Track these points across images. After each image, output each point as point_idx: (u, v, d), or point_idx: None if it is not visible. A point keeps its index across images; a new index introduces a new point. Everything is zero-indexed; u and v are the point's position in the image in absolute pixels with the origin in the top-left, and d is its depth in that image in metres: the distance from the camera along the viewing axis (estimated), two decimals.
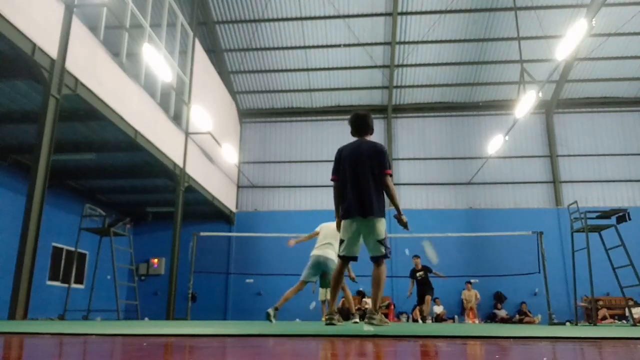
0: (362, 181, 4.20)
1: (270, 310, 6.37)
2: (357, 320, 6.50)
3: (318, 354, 1.80)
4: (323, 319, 11.51)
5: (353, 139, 4.55)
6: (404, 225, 4.36)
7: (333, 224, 6.73)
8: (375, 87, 17.62)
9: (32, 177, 7.08)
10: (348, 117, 4.74)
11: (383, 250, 4.18)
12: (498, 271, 14.56)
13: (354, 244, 4.30)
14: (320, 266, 6.54)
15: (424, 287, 11.53)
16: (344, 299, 14.94)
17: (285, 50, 16.49)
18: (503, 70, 16.83)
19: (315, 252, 6.60)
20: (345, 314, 14.59)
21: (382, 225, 4.20)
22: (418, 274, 11.53)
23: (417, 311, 11.62)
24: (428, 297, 11.46)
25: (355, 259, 4.38)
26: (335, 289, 4.59)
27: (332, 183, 4.54)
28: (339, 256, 4.40)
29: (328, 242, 6.58)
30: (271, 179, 17.98)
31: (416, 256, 11.65)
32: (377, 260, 4.21)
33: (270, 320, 6.20)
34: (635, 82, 16.92)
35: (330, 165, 4.68)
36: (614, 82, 16.99)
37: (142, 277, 16.80)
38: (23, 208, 6.99)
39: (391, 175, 4.28)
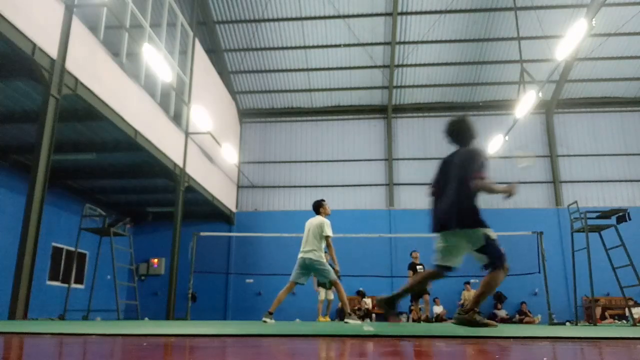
0: (445, 194, 4.09)
1: (266, 319, 6.39)
2: (348, 320, 6.45)
3: (318, 354, 1.80)
4: (319, 318, 11.52)
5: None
6: (510, 192, 4.27)
7: (315, 220, 6.76)
8: (375, 87, 17.62)
9: (32, 177, 7.08)
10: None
11: (485, 259, 4.02)
12: None
13: (447, 256, 4.15)
14: (306, 267, 6.53)
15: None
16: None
17: (285, 50, 16.49)
18: (503, 70, 16.83)
19: (300, 254, 6.61)
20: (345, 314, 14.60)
21: (475, 234, 4.04)
22: (418, 268, 11.57)
23: (415, 310, 11.62)
24: (427, 297, 11.48)
25: (449, 268, 4.20)
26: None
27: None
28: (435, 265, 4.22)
29: (310, 241, 6.57)
30: (271, 179, 17.97)
31: (415, 250, 11.77)
32: (486, 267, 4.06)
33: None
34: (635, 82, 16.92)
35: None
36: (614, 82, 16.98)
37: (142, 277, 16.80)
38: (23, 208, 6.98)
39: (482, 178, 4.10)
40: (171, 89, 11.78)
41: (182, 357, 1.63)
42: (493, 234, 4.13)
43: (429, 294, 11.58)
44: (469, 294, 14.62)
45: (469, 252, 4.10)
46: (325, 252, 6.84)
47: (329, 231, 6.59)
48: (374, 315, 15.01)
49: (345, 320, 6.49)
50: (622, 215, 9.31)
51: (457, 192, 4.04)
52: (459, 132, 4.25)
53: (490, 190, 4.12)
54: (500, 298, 15.32)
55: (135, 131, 10.35)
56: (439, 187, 4.20)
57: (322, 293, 11.33)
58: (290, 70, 17.13)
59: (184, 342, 2.29)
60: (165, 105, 12.38)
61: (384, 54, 16.52)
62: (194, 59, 13.78)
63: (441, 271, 4.22)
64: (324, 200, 7.00)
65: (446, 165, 4.22)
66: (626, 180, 16.73)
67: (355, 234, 13.69)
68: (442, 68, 16.89)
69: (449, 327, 4.58)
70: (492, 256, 3.99)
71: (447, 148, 4.14)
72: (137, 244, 15.52)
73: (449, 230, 4.04)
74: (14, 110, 9.37)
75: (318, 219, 6.78)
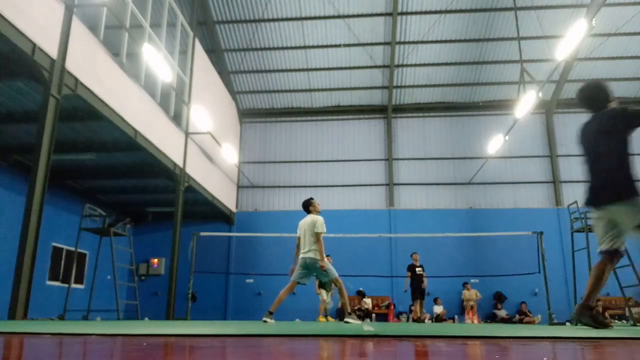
0: (597, 161, 3.66)
1: (266, 318, 6.39)
2: (349, 320, 6.44)
3: (318, 354, 1.80)
4: (319, 318, 11.52)
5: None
6: None
7: (308, 219, 6.76)
8: (375, 87, 17.62)
9: (32, 177, 7.08)
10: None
11: (613, 244, 3.60)
12: (498, 271, 14.57)
13: (618, 234, 3.66)
14: (308, 267, 6.53)
15: (420, 284, 11.66)
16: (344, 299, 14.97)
17: (285, 50, 16.49)
18: (503, 70, 16.84)
19: (300, 254, 6.61)
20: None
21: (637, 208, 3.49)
22: (417, 270, 11.63)
23: (416, 310, 11.65)
24: (422, 302, 11.64)
25: (617, 252, 3.73)
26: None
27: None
28: (605, 251, 3.76)
29: (308, 241, 6.58)
30: (271, 179, 17.98)
31: (415, 252, 11.90)
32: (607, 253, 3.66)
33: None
34: (635, 82, 16.93)
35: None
36: (614, 82, 16.98)
37: (142, 277, 16.80)
38: (23, 208, 6.98)
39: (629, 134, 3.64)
40: (171, 89, 11.78)
41: (182, 357, 1.63)
42: None
43: (422, 297, 11.71)
44: (469, 293, 14.63)
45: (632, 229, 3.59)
46: (328, 255, 6.81)
47: (320, 228, 6.58)
48: (374, 315, 15.02)
49: (346, 319, 6.48)
50: None
51: (616, 156, 3.60)
52: (593, 96, 3.88)
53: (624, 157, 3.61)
54: (500, 298, 15.33)
55: (135, 131, 10.35)
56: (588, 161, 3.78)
57: (324, 294, 11.34)
58: (290, 70, 17.13)
59: (184, 342, 2.29)
60: (165, 105, 12.38)
61: (384, 54, 16.52)
62: (194, 59, 13.78)
63: (615, 256, 3.74)
64: (312, 199, 7.02)
65: (586, 128, 3.84)
66: None
67: (355, 234, 13.70)
68: (442, 68, 16.89)
69: (449, 327, 4.58)
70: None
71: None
72: (137, 244, 15.53)
73: (609, 204, 3.58)
74: (14, 110, 9.37)
75: (310, 217, 6.79)
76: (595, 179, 3.64)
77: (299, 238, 6.78)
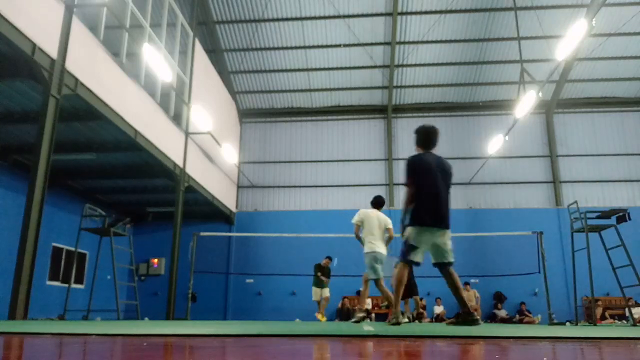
0: (445, 194, 4.51)
1: (360, 320, 6.50)
2: (406, 320, 6.63)
3: (318, 354, 1.80)
4: (320, 317, 11.53)
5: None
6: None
7: (380, 215, 6.81)
8: (375, 87, 17.62)
9: (32, 177, 7.08)
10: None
11: (452, 257, 4.47)
12: (498, 271, 14.57)
13: (423, 251, 4.53)
14: (382, 262, 6.66)
15: (412, 282, 11.59)
16: (346, 298, 14.96)
17: (285, 50, 16.49)
18: (503, 70, 16.84)
19: (374, 247, 6.64)
20: (345, 314, 14.60)
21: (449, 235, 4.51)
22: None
23: (418, 308, 11.63)
24: (417, 298, 11.59)
25: (418, 264, 4.57)
26: (399, 291, 4.68)
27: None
28: (408, 261, 4.52)
29: (380, 236, 6.70)
30: (271, 179, 17.98)
31: None
32: (445, 266, 4.46)
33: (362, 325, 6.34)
34: (635, 82, 16.92)
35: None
36: (614, 82, 16.99)
37: (142, 277, 16.80)
38: (23, 208, 6.98)
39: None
40: (171, 89, 11.78)
41: (182, 357, 1.63)
42: None
43: (417, 294, 11.65)
44: (469, 294, 14.62)
45: (439, 249, 4.49)
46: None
47: (390, 225, 6.87)
48: (373, 315, 15.02)
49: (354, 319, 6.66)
50: (622, 215, 9.31)
51: (447, 194, 4.55)
52: (436, 139, 4.72)
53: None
54: (500, 298, 15.32)
55: (135, 131, 10.35)
56: (426, 184, 4.53)
57: (316, 293, 11.37)
58: (290, 70, 17.13)
59: (184, 342, 2.29)
60: (165, 105, 12.38)
61: (384, 54, 16.52)
62: (194, 59, 13.78)
63: (411, 267, 4.69)
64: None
65: (440, 165, 4.59)
66: (626, 180, 16.73)
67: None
68: (442, 68, 16.89)
69: (448, 327, 4.59)
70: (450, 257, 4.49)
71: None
72: (137, 244, 15.52)
73: (444, 229, 4.46)
74: (14, 110, 9.37)
75: (381, 214, 6.91)
76: (444, 206, 4.46)
77: (357, 223, 6.80)
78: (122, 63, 9.95)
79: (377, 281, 6.64)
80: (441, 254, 4.44)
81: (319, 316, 11.40)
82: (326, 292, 11.42)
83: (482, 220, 16.30)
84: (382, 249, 6.70)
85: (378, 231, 6.72)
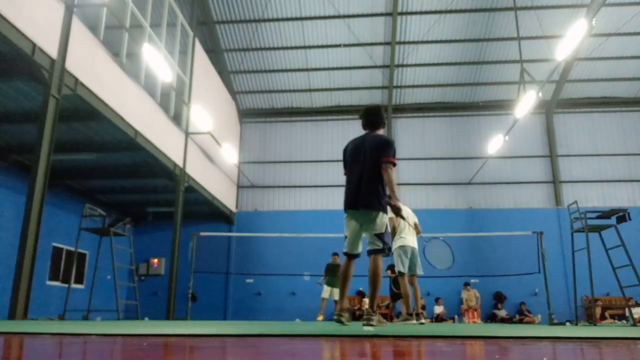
0: (359, 174, 4.25)
1: (413, 320, 6.44)
2: (423, 321, 6.58)
3: (318, 354, 1.80)
4: (319, 318, 11.52)
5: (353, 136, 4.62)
6: (395, 212, 4.35)
7: (409, 210, 6.86)
8: (375, 87, 17.62)
9: (32, 177, 7.08)
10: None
11: (380, 244, 4.19)
12: (498, 271, 14.57)
13: (356, 240, 4.33)
14: (413, 257, 6.66)
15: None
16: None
17: (285, 50, 16.49)
18: (503, 70, 16.84)
19: (409, 243, 6.66)
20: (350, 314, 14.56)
21: (380, 219, 4.21)
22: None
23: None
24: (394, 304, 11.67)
25: (358, 255, 4.40)
26: (345, 286, 4.52)
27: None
28: (344, 253, 4.41)
29: (411, 232, 6.72)
30: (271, 179, 17.98)
31: None
32: (372, 254, 4.22)
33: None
34: (635, 82, 16.92)
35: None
36: (614, 82, 16.98)
37: (142, 277, 16.80)
38: (23, 208, 6.98)
39: (394, 165, 4.24)
40: (171, 89, 11.78)
41: (182, 357, 1.63)
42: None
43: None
44: (469, 294, 14.63)
45: (366, 235, 4.26)
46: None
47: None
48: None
49: (421, 321, 6.57)
50: (622, 215, 9.30)
51: (373, 174, 4.22)
52: (375, 117, 4.53)
53: (389, 180, 4.19)
54: (500, 298, 15.32)
55: (135, 131, 10.35)
56: (350, 169, 4.38)
57: (326, 291, 11.34)
58: (290, 70, 17.13)
59: (184, 342, 2.29)
60: (165, 105, 12.38)
61: (384, 54, 16.52)
62: (194, 59, 13.78)
63: (352, 259, 4.39)
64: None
65: (356, 147, 4.41)
66: (626, 180, 16.73)
67: None
68: (442, 68, 16.89)
69: (448, 327, 4.59)
70: (384, 243, 4.22)
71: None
72: (137, 244, 15.52)
73: (359, 209, 4.21)
74: (14, 110, 9.37)
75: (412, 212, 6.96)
76: (355, 188, 4.24)
77: (396, 224, 6.73)
78: (122, 63, 9.95)
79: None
80: (370, 240, 4.23)
81: (321, 317, 11.40)
82: (335, 292, 11.38)
83: (482, 220, 16.30)
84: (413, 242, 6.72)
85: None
